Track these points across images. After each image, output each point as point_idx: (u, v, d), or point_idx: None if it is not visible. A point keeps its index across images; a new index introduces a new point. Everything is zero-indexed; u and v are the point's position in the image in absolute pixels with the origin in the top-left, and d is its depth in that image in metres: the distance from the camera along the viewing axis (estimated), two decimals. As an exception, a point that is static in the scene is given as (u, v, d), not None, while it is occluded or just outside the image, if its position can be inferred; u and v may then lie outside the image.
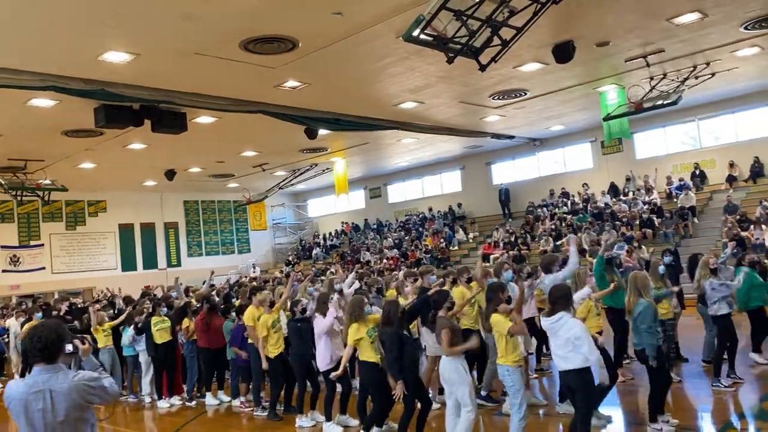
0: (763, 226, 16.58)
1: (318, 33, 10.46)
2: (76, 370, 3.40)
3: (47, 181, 18.52)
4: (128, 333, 9.97)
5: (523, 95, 16.14)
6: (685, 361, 9.15)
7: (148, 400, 10.03)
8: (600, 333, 6.95)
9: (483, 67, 9.34)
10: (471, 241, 24.47)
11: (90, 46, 10.13)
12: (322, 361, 7.32)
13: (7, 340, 13.59)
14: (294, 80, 13.01)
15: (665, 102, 14.44)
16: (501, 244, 21.81)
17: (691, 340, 9.28)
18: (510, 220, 24.20)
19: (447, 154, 24.96)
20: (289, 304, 8.76)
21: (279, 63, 11.77)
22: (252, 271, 27.70)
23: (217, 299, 10.84)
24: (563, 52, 12.26)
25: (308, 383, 7.96)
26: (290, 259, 29.42)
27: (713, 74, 15.04)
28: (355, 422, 7.24)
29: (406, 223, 27.60)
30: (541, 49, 12.47)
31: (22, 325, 12.15)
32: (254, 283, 14.74)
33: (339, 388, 7.51)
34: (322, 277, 15.39)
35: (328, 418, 7.39)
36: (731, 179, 19.63)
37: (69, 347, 3.38)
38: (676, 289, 8.04)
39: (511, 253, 19.88)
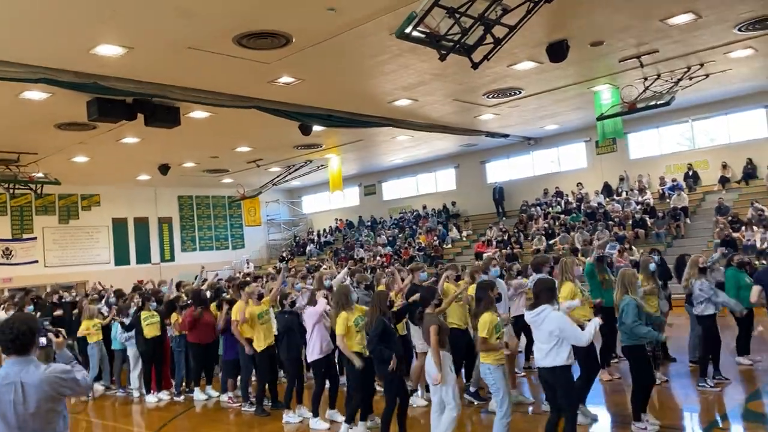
0: (755, 228, 16.65)
1: (312, 29, 10.44)
2: (47, 363, 3.41)
3: (40, 174, 18.46)
4: (117, 327, 9.97)
5: (517, 94, 16.15)
6: (673, 360, 9.20)
7: (136, 394, 10.03)
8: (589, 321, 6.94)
9: (476, 65, 9.36)
10: (464, 239, 24.50)
11: (82, 39, 10.10)
12: (312, 353, 7.30)
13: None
14: (288, 76, 12.99)
15: (658, 102, 14.48)
16: (494, 243, 21.85)
17: (683, 341, 9.31)
18: (504, 218, 24.24)
19: (442, 152, 24.97)
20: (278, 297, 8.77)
21: (273, 58, 11.75)
22: (246, 266, 27.68)
23: (207, 294, 10.81)
24: (557, 52, 12.28)
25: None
26: (284, 255, 29.41)
27: (707, 75, 15.09)
28: (342, 418, 7.24)
29: (400, 221, 27.61)
30: (536, 48, 12.48)
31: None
32: (247, 278, 14.71)
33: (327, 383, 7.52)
34: (316, 273, 15.37)
35: (315, 414, 7.41)
36: (724, 180, 19.70)
37: (43, 340, 3.40)
38: (665, 309, 8.04)
39: (503, 251, 19.95)
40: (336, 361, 7.82)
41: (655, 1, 10.66)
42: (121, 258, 26.39)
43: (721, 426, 6.41)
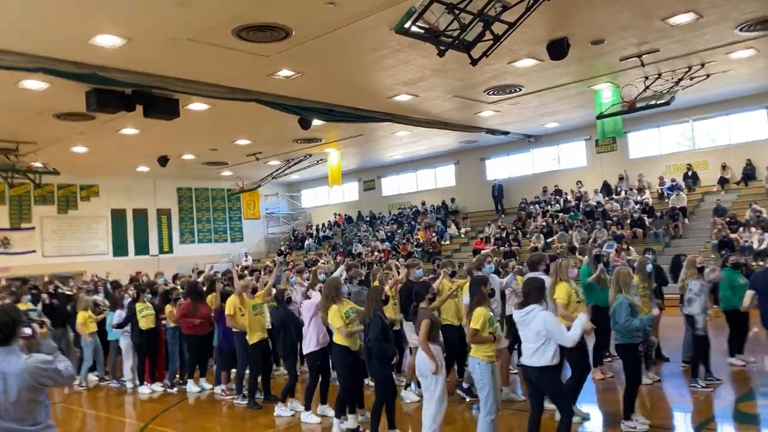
0: (752, 229, 16.64)
1: (311, 22, 10.41)
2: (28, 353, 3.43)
3: (39, 164, 18.45)
4: (111, 318, 9.99)
5: (517, 91, 16.12)
6: (666, 360, 9.21)
7: (130, 385, 10.04)
8: None
9: (474, 62, 9.34)
10: (462, 236, 24.50)
11: (81, 29, 10.06)
12: (308, 345, 7.29)
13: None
14: (287, 69, 12.96)
15: (658, 102, 14.46)
16: (492, 240, 21.85)
17: (678, 341, 9.30)
18: (502, 216, 24.23)
19: (441, 148, 24.95)
20: (273, 292, 8.78)
21: (272, 51, 11.73)
22: (244, 259, 27.70)
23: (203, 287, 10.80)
24: (558, 49, 12.24)
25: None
26: (282, 248, 29.42)
27: (708, 75, 15.06)
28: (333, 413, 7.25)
29: (399, 216, 27.61)
30: (536, 46, 12.44)
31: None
32: (244, 272, 14.71)
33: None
34: (313, 268, 15.38)
35: (308, 408, 7.42)
36: (723, 181, 19.69)
37: (27, 330, 3.42)
38: (655, 311, 8.01)
39: (501, 249, 19.94)
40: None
41: (656, 0, 10.63)
42: (119, 249, 26.39)
43: (709, 427, 6.40)
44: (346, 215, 30.16)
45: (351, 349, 6.56)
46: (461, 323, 7.60)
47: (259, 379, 8.50)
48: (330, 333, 7.01)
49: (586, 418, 6.76)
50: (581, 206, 21.64)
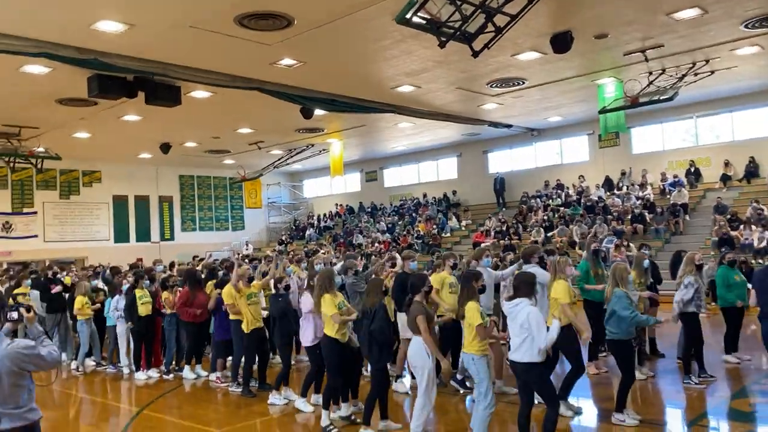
0: (753, 227, 16.60)
1: (313, 10, 10.37)
2: (12, 338, 3.44)
3: (41, 149, 18.45)
4: (109, 304, 10.02)
5: (520, 84, 16.07)
6: (661, 356, 9.22)
7: (126, 371, 10.09)
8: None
9: (476, 53, 9.32)
10: (463, 228, 24.49)
11: (83, 14, 10.05)
12: (307, 338, 7.31)
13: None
14: (290, 58, 12.93)
15: (661, 98, 14.38)
16: (492, 233, 21.85)
17: (674, 337, 9.29)
18: (504, 209, 24.21)
19: (444, 140, 24.90)
20: (272, 282, 8.80)
21: (274, 40, 11.69)
22: (245, 248, 27.75)
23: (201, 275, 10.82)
24: (561, 43, 12.19)
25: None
26: (283, 238, 29.45)
27: (712, 72, 14.99)
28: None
29: (400, 208, 27.60)
30: (539, 39, 12.39)
31: (8, 291, 12.17)
32: (243, 262, 14.75)
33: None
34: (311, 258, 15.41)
35: (303, 395, 7.44)
36: (725, 178, 19.63)
37: (15, 315, 3.43)
38: (660, 320, 7.98)
39: (501, 242, 19.95)
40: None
41: (661, -6, 10.58)
42: (121, 235, 26.45)
43: (701, 423, 6.41)
44: (347, 206, 30.17)
45: (340, 341, 6.56)
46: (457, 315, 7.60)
47: (255, 367, 8.55)
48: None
49: (578, 412, 6.78)
50: (582, 201, 21.60)
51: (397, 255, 9.46)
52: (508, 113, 19.76)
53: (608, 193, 21.53)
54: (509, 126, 21.87)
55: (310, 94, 15.42)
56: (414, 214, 26.37)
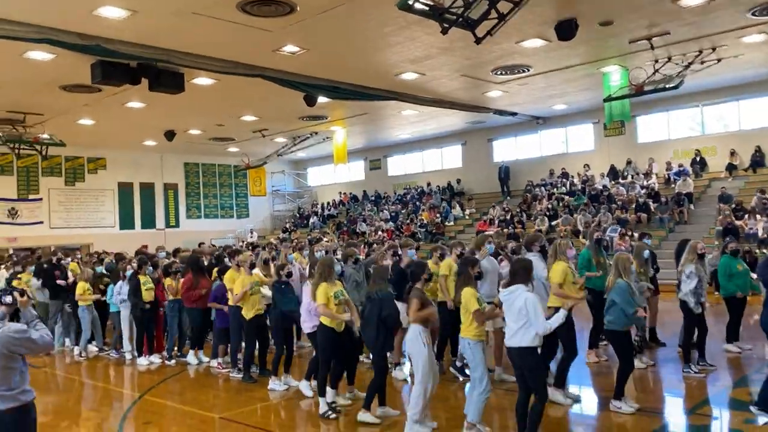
0: (758, 216, 16.52)
1: (316, -3, 10.32)
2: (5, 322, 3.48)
3: (45, 136, 18.49)
4: (111, 290, 10.08)
5: (525, 71, 15.97)
6: (662, 345, 9.20)
7: (129, 356, 10.16)
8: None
9: (479, 40, 9.24)
10: (467, 217, 24.46)
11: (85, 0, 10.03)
12: (308, 324, 7.32)
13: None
14: (293, 45, 12.89)
15: (667, 86, 14.27)
16: (496, 222, 21.82)
17: (675, 326, 9.28)
18: (508, 198, 24.15)
19: (449, 128, 24.81)
20: (273, 268, 8.82)
21: (277, 27, 11.65)
22: (249, 236, 27.81)
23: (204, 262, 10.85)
24: (566, 30, 12.11)
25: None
26: (288, 226, 29.49)
27: (719, 60, 14.86)
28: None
29: (404, 197, 27.58)
30: (544, 26, 12.31)
31: (12, 277, 12.25)
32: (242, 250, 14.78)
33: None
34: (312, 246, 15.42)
35: (308, 378, 7.48)
36: (731, 168, 19.52)
37: (8, 299, 3.48)
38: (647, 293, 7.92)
39: (505, 231, 19.91)
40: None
41: (667, -20, 10.47)
42: (126, 222, 26.56)
43: (700, 412, 6.41)
44: (351, 194, 30.17)
45: (335, 330, 6.58)
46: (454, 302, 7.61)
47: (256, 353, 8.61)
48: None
49: (577, 400, 6.79)
50: (587, 190, 21.53)
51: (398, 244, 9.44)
52: (513, 101, 19.67)
53: (613, 182, 21.45)
54: (514, 114, 21.77)
55: (313, 82, 15.37)
56: (418, 203, 26.34)
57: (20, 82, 14.63)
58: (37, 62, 13.10)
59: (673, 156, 20.89)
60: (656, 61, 14.54)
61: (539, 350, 5.37)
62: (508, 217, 21.88)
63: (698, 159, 20.26)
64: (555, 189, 22.75)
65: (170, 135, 21.83)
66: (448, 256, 8.48)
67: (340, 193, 30.63)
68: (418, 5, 8.35)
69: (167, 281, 9.75)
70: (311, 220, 28.99)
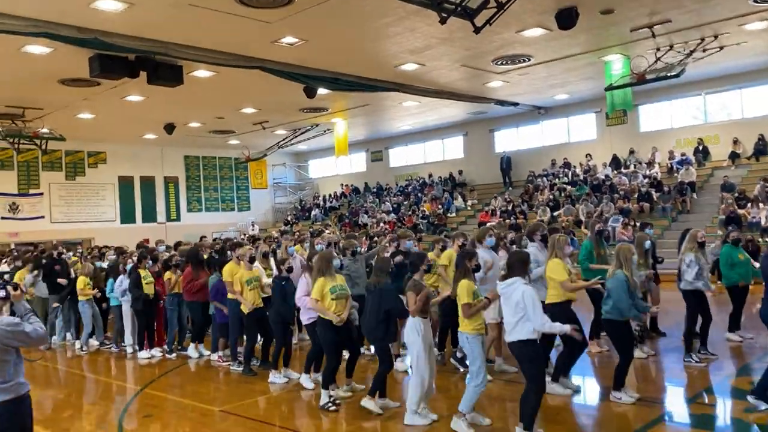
0: (761, 205, 16.44)
1: (313, -13, 10.25)
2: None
3: (45, 130, 18.48)
4: (111, 285, 10.08)
5: (526, 61, 15.88)
6: (662, 335, 9.17)
7: (129, 350, 10.17)
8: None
9: (477, 30, 9.19)
10: (469, 208, 24.42)
11: (81, -7, 9.99)
12: (308, 315, 7.29)
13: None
14: (291, 36, 12.83)
15: (669, 74, 14.17)
16: (498, 213, 21.77)
17: (678, 315, 9.23)
18: (510, 188, 24.09)
19: (450, 119, 24.73)
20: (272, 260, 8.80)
21: (275, 18, 11.59)
22: (251, 229, 27.81)
23: (204, 256, 10.82)
24: (566, 18, 12.02)
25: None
26: (289, 218, 29.48)
27: (721, 48, 14.76)
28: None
29: (405, 188, 27.53)
30: (544, 14, 12.22)
31: (12, 272, 12.25)
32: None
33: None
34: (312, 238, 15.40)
35: (307, 371, 7.47)
36: (734, 156, 19.42)
37: (1, 293, 3.49)
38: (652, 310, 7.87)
39: (507, 222, 19.87)
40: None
41: (668, -33, 10.38)
42: (127, 216, 26.57)
43: (700, 401, 6.38)
44: (353, 186, 30.13)
45: (334, 322, 6.55)
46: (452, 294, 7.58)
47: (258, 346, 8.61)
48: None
49: (577, 390, 6.76)
50: (589, 180, 21.46)
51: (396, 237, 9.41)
52: (514, 91, 19.58)
53: (615, 172, 21.37)
54: (516, 104, 21.68)
55: (313, 73, 15.31)
56: (419, 194, 26.30)
57: (19, 77, 14.60)
58: (35, 56, 13.07)
59: (675, 145, 20.80)
60: (658, 50, 14.44)
61: (538, 341, 5.32)
62: (510, 207, 21.82)
63: (701, 148, 20.16)
64: (557, 179, 22.68)
65: (170, 128, 21.79)
66: (450, 248, 8.46)
67: (342, 184, 30.60)
68: (416, -6, 8.28)
69: (167, 275, 9.74)
70: (313, 213, 28.98)
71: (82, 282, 10.39)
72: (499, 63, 15.94)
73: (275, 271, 8.90)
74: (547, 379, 6.45)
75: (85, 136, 23.22)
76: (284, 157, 31.13)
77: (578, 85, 19.33)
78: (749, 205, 16.68)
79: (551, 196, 21.44)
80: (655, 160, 20.88)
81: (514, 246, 9.02)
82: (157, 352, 9.84)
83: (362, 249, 10.95)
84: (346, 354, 7.04)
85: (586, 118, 22.87)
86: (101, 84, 15.26)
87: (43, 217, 24.18)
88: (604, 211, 18.67)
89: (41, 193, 24.26)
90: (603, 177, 21.15)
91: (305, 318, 7.28)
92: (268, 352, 8.52)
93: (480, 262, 6.45)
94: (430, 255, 8.45)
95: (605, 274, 7.55)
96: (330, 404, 6.53)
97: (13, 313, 3.58)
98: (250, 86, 16.73)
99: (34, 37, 11.50)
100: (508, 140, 25.25)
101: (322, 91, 16.83)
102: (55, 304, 10.94)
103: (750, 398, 5.85)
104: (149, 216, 27.22)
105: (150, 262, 9.95)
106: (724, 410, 6.28)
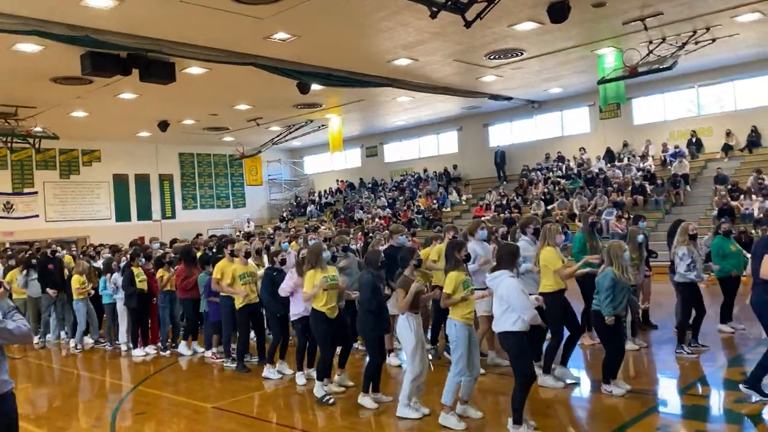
0: (753, 196, 16.49)
1: (304, -18, 10.22)
2: None
3: (38, 129, 18.42)
4: (104, 282, 10.07)
5: (519, 55, 15.88)
6: (654, 328, 9.20)
7: (124, 348, 10.17)
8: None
9: (468, 24, 9.19)
10: (464, 203, 24.44)
11: (71, -11, 9.95)
12: (295, 311, 7.31)
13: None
14: (283, 32, 12.80)
15: (661, 67, 14.18)
16: (493, 207, 21.80)
17: (669, 307, 9.28)
18: (505, 183, 24.12)
19: (444, 114, 24.72)
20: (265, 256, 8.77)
21: (267, 13, 11.56)
22: (246, 225, 27.79)
23: (198, 253, 10.81)
24: (558, 12, 12.01)
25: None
26: (285, 215, 29.47)
27: (713, 40, 14.77)
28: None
29: (400, 183, 27.54)
30: (536, 8, 12.21)
31: (5, 271, 12.24)
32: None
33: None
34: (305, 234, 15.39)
35: (299, 369, 7.48)
36: (727, 148, 19.46)
37: None
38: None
39: (501, 216, 19.90)
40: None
41: (659, -40, 10.38)
42: (122, 214, 26.50)
43: (692, 392, 6.42)
44: (348, 182, 30.11)
45: (327, 315, 6.56)
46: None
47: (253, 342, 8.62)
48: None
49: (576, 382, 6.78)
50: (582, 173, 21.49)
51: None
52: (507, 85, 19.58)
53: (609, 165, 21.40)
54: (509, 99, 21.68)
55: (306, 69, 15.28)
56: (414, 189, 26.31)
57: (11, 75, 14.54)
58: (26, 54, 13.01)
59: (669, 137, 20.83)
60: (650, 42, 14.45)
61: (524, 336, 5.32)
62: (505, 201, 21.85)
63: (694, 140, 20.21)
64: (551, 173, 22.71)
65: (164, 125, 21.73)
66: (441, 243, 8.47)
67: (337, 180, 30.59)
68: (406, -11, 8.27)
69: (159, 272, 9.74)
70: (308, 209, 28.97)
71: (76, 281, 10.37)
72: (492, 57, 15.93)
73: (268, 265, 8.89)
74: (539, 371, 6.50)
75: (78, 135, 23.15)
76: (279, 153, 31.09)
77: (571, 79, 19.34)
78: (742, 196, 16.74)
79: (545, 190, 21.48)
80: (649, 153, 20.92)
81: (508, 239, 9.05)
82: (151, 349, 9.84)
83: (358, 245, 10.97)
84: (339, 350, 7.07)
85: (579, 111, 22.89)
86: (94, 82, 15.21)
87: (37, 216, 24.11)
88: (598, 204, 18.72)
89: (35, 192, 24.18)
90: (597, 170, 21.19)
91: (291, 314, 7.29)
92: (263, 349, 8.52)
93: (471, 254, 6.47)
94: (424, 252, 8.47)
95: (595, 265, 7.59)
96: (328, 397, 6.55)
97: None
98: (243, 83, 16.69)
99: (24, 35, 11.45)
100: (502, 135, 25.26)
101: (315, 87, 16.80)
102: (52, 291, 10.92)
103: (742, 387, 5.88)
104: (144, 214, 27.16)
105: (143, 259, 9.94)
106: (716, 401, 6.31)
